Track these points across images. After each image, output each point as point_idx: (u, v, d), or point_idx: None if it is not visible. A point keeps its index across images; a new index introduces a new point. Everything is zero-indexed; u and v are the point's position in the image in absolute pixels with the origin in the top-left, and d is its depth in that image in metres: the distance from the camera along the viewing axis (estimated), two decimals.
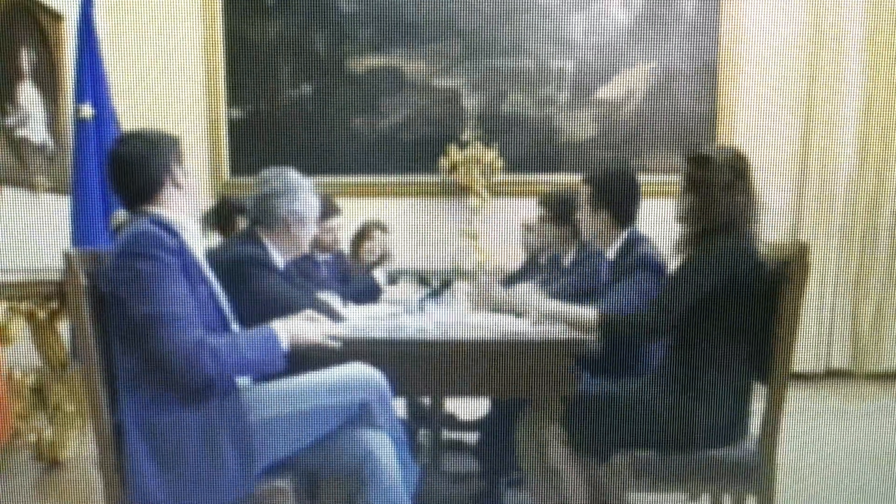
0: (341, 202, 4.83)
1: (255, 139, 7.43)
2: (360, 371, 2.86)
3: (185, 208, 2.86)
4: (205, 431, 2.62)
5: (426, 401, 4.86)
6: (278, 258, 3.55)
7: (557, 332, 3.12)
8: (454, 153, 7.22)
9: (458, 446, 4.89)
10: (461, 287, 4.55)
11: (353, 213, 5.20)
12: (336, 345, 2.85)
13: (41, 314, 4.68)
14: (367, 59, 7.42)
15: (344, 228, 4.95)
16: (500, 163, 7.23)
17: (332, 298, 3.75)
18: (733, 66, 7.28)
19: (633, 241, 3.62)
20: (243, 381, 2.82)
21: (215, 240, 4.67)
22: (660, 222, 3.59)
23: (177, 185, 2.83)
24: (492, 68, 7.41)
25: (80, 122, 5.77)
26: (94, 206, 5.65)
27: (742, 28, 7.24)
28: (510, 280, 5.41)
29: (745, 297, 2.95)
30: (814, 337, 7.24)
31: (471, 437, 4.78)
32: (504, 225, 7.02)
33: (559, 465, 3.09)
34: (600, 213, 3.66)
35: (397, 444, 2.89)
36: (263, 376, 2.86)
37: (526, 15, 7.34)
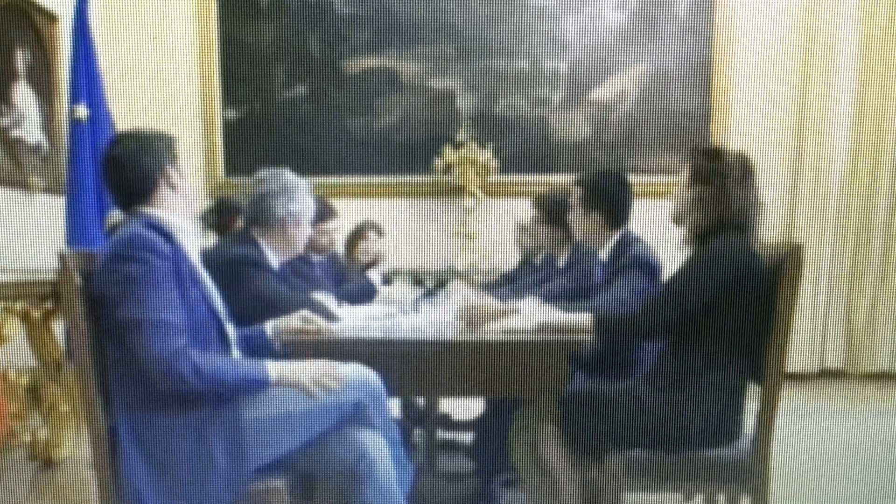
0: (336, 203, 4.82)
1: (251, 140, 7.43)
2: (354, 371, 2.86)
3: (180, 209, 2.85)
4: (197, 432, 2.62)
5: (421, 401, 4.87)
6: (273, 259, 3.56)
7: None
8: (449, 154, 7.23)
9: (452, 446, 4.90)
10: (456, 287, 4.56)
11: (347, 214, 5.20)
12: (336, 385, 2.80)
13: (36, 314, 4.68)
14: (361, 60, 7.42)
15: (339, 230, 4.95)
16: (494, 163, 7.23)
17: (326, 299, 3.75)
18: (727, 66, 7.28)
19: (626, 242, 3.63)
20: None
21: (213, 239, 4.68)
22: (654, 222, 3.60)
23: (171, 186, 2.82)
24: (486, 69, 7.41)
25: (74, 123, 5.78)
26: (88, 207, 5.65)
27: (735, 29, 7.24)
28: (505, 281, 5.43)
29: (743, 296, 2.96)
30: (808, 337, 7.25)
31: (465, 438, 4.78)
32: (499, 225, 7.02)
33: (553, 465, 3.09)
34: (592, 215, 3.67)
35: (392, 443, 2.90)
36: None
37: (520, 16, 7.35)
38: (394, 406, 4.75)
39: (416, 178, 7.40)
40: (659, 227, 3.39)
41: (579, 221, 3.75)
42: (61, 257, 2.65)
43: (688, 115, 7.36)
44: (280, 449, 2.75)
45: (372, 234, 5.66)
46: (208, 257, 3.30)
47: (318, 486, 3.00)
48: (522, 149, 7.43)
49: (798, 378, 7.04)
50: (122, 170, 2.79)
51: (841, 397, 6.92)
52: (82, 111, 5.77)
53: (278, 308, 3.20)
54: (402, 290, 4.77)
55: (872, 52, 7.06)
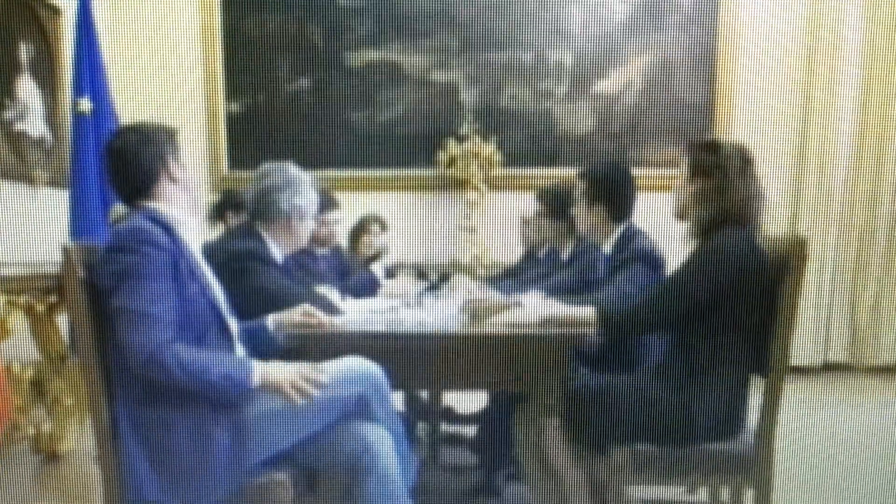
0: (339, 196, 4.83)
1: (254, 133, 7.44)
2: (357, 365, 2.86)
3: (181, 202, 2.85)
4: (199, 426, 2.63)
5: (424, 394, 4.87)
6: (277, 252, 3.55)
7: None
8: (452, 147, 7.23)
9: (456, 440, 4.90)
10: (459, 281, 4.56)
11: (350, 207, 5.20)
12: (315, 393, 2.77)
13: (40, 307, 4.69)
14: (364, 53, 7.42)
15: (342, 222, 4.95)
16: (497, 156, 7.24)
17: (330, 292, 3.75)
18: (731, 57, 7.28)
19: (630, 235, 3.63)
20: None
21: (221, 233, 4.69)
22: (658, 215, 3.60)
23: (172, 179, 2.82)
24: (489, 62, 7.41)
25: (78, 116, 5.79)
26: (92, 200, 5.66)
27: (740, 20, 7.23)
28: (508, 274, 5.43)
29: (747, 290, 2.95)
30: (812, 330, 7.25)
31: (469, 431, 4.79)
32: (502, 219, 7.02)
33: (557, 458, 3.09)
34: (596, 208, 3.67)
35: (395, 437, 2.90)
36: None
37: (523, 7, 7.34)
38: (397, 399, 4.77)
39: (419, 171, 7.40)
40: (663, 221, 3.38)
41: (583, 215, 3.75)
42: (65, 251, 2.65)
43: (692, 106, 7.35)
44: (282, 443, 2.75)
45: (375, 227, 5.66)
46: (212, 251, 3.30)
47: (321, 478, 3.00)
48: (526, 142, 7.43)
49: (802, 371, 7.05)
50: (123, 164, 2.79)
51: (845, 391, 6.92)
52: (86, 104, 5.78)
53: (282, 302, 3.19)
54: (406, 284, 4.76)
55: (877, 43, 7.05)
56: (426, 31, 7.37)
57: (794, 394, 3.16)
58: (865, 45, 7.12)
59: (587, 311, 3.05)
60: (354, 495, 2.78)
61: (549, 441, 3.09)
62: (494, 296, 3.54)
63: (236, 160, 7.43)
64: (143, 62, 7.16)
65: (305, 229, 3.65)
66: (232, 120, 7.47)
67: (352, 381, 2.81)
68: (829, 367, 7.32)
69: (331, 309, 3.34)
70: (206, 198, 5.25)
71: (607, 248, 3.70)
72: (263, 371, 2.71)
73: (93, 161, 5.64)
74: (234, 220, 4.80)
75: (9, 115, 5.82)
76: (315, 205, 3.67)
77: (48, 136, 6.27)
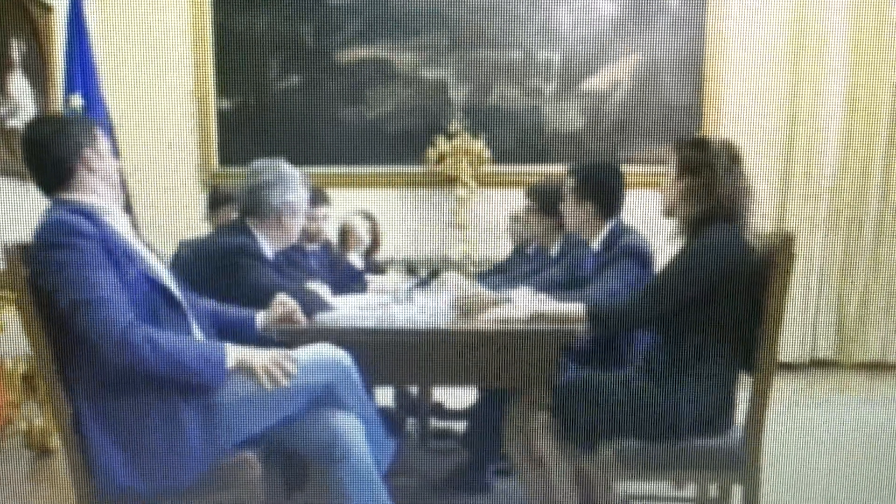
0: (329, 193, 4.84)
1: (244, 130, 7.43)
2: (323, 352, 2.88)
3: (102, 192, 2.81)
4: (168, 411, 2.63)
5: (414, 390, 4.89)
6: (268, 249, 3.56)
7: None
8: (441, 144, 7.24)
9: (445, 435, 4.91)
10: (449, 277, 4.57)
11: (340, 204, 5.21)
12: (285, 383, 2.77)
13: None
14: (354, 51, 7.43)
15: (331, 219, 4.95)
16: (487, 153, 7.25)
17: (321, 288, 3.76)
18: (719, 57, 7.30)
19: (619, 232, 3.65)
20: None
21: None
22: (646, 213, 3.62)
23: (91, 170, 2.77)
24: (479, 60, 7.42)
25: (69, 113, 5.78)
26: None
27: (727, 20, 7.25)
28: (497, 270, 5.44)
29: (735, 287, 2.97)
30: (799, 327, 7.28)
31: (459, 427, 4.80)
32: (491, 215, 7.05)
33: (546, 454, 3.10)
34: (584, 205, 3.69)
35: (367, 422, 2.92)
36: None
37: (513, 6, 7.35)
38: (387, 395, 4.79)
39: (409, 168, 7.41)
40: (651, 217, 3.40)
41: (572, 211, 3.77)
42: (5, 250, 2.61)
43: (680, 105, 7.37)
44: (248, 430, 2.75)
45: (358, 219, 5.65)
46: (202, 247, 3.32)
47: (292, 458, 3.03)
48: (515, 139, 7.44)
49: (790, 368, 7.08)
50: (37, 154, 2.75)
51: (832, 387, 6.95)
52: (77, 101, 5.78)
53: (273, 297, 3.21)
54: (396, 280, 4.77)
55: (863, 44, 7.09)
56: (416, 29, 7.38)
57: (781, 390, 3.17)
58: (851, 44, 7.15)
59: (576, 308, 3.07)
60: (327, 481, 2.80)
61: (538, 437, 3.10)
62: (484, 292, 3.55)
63: (227, 157, 7.42)
64: (134, 59, 7.16)
65: (296, 226, 3.66)
66: (223, 117, 7.46)
67: (318, 368, 2.82)
68: (816, 364, 7.35)
69: (321, 305, 3.36)
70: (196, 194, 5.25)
71: (596, 244, 3.72)
72: (238, 354, 2.73)
73: None
74: (223, 216, 4.80)
75: (1, 111, 5.81)
76: (306, 202, 3.69)
77: None
